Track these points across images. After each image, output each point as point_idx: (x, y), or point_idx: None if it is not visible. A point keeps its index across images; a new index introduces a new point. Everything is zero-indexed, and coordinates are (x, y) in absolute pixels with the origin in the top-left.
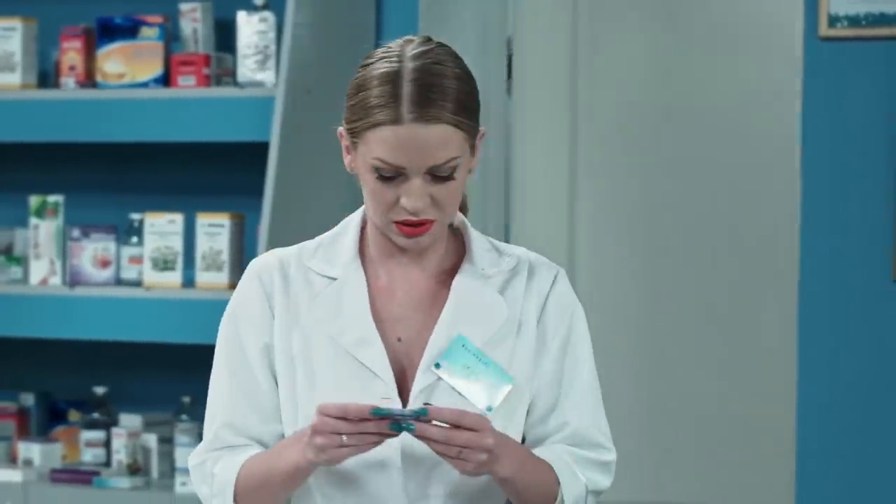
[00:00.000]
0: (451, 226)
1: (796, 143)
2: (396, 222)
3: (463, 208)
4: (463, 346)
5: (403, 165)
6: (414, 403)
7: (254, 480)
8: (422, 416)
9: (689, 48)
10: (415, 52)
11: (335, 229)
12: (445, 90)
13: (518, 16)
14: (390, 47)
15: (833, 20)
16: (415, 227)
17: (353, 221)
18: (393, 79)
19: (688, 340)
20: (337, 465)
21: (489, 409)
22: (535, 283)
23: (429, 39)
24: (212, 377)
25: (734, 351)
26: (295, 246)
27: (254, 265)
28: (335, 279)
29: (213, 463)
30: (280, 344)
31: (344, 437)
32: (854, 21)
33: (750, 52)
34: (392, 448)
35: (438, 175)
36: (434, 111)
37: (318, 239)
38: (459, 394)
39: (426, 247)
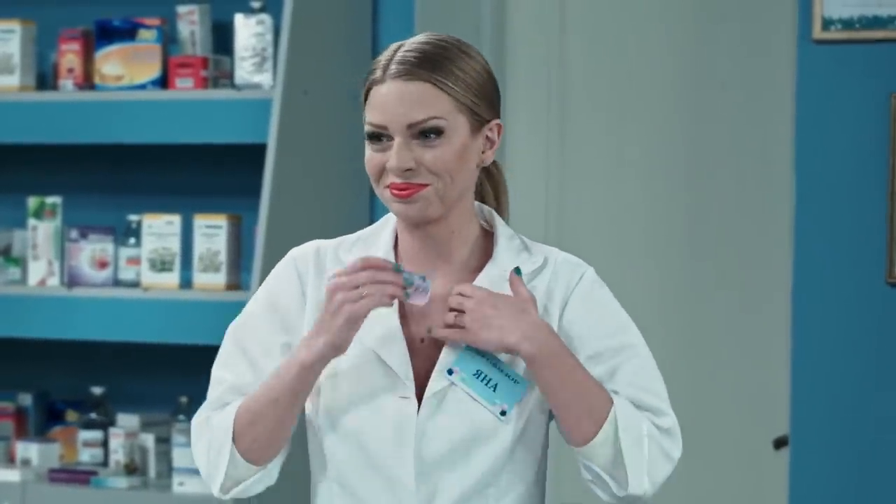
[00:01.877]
0: (481, 226)
1: (790, 146)
2: (388, 186)
3: (501, 209)
4: (476, 351)
5: (384, 123)
6: (426, 406)
7: (254, 408)
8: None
9: (683, 49)
10: (423, 36)
11: (376, 224)
12: (438, 59)
13: (510, 16)
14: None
15: (827, 23)
16: (402, 189)
17: (392, 218)
18: (394, 49)
19: (679, 343)
20: (347, 343)
21: (503, 413)
22: (560, 283)
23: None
24: (225, 343)
25: (727, 354)
26: (337, 238)
27: (293, 252)
28: None
29: (213, 417)
30: (309, 325)
31: (363, 290)
32: (848, 24)
33: (743, 54)
34: (405, 469)
35: (423, 136)
36: (415, 70)
37: (358, 233)
38: (473, 398)
39: (424, 216)
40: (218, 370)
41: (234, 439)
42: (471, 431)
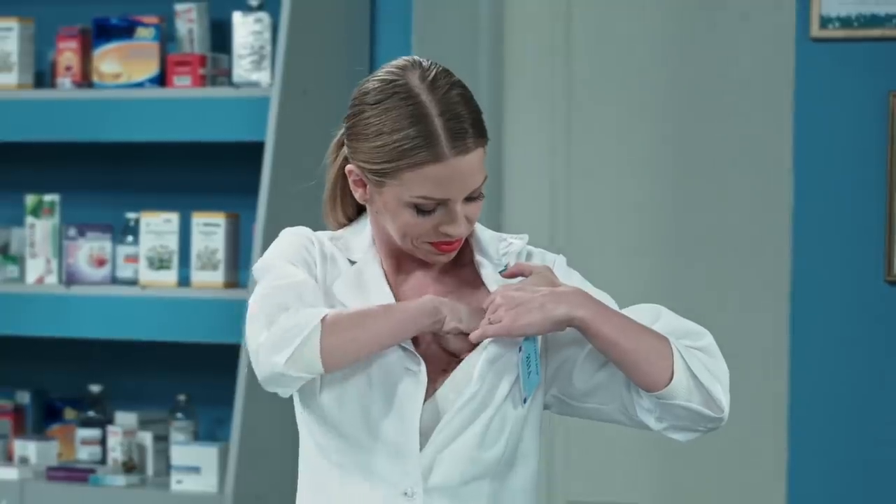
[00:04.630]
0: None
1: (788, 144)
2: (432, 243)
3: None
4: (534, 339)
5: (448, 198)
6: (475, 383)
7: (359, 314)
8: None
9: (683, 48)
10: (424, 83)
11: (352, 226)
12: (467, 117)
13: (510, 14)
14: (393, 81)
15: (825, 21)
16: (452, 245)
17: (367, 226)
18: (420, 118)
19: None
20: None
21: (525, 401)
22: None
23: (422, 63)
24: (256, 300)
25: (726, 352)
26: (321, 232)
27: (294, 231)
28: (356, 262)
29: (298, 307)
30: None
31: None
32: (846, 22)
33: (742, 52)
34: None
35: (473, 197)
36: (469, 141)
37: (338, 232)
38: (517, 380)
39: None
40: (280, 278)
41: (322, 330)
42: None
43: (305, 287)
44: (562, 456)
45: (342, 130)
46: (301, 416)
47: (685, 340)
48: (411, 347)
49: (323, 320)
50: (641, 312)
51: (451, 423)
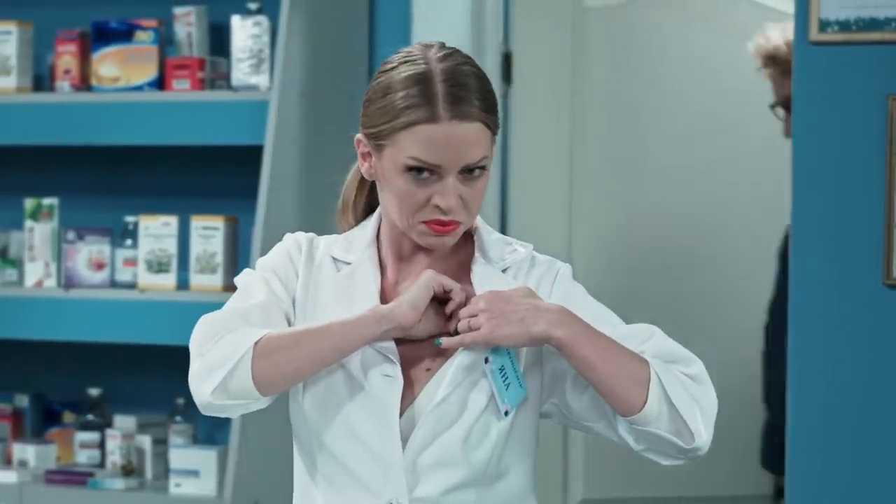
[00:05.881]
0: None
1: (787, 147)
2: (425, 222)
3: None
4: (507, 351)
5: (440, 164)
6: (425, 392)
7: (295, 336)
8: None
9: (683, 53)
10: (439, 55)
11: (361, 224)
12: (475, 90)
13: (512, 19)
14: (411, 52)
15: (824, 25)
16: (444, 225)
17: (371, 220)
18: (424, 79)
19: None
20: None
21: (506, 413)
22: (535, 276)
23: (445, 45)
24: (201, 324)
25: (727, 356)
26: (322, 236)
27: (288, 237)
28: (350, 264)
29: (241, 326)
30: (297, 311)
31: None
32: (844, 26)
33: (742, 56)
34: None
35: (470, 175)
36: (469, 109)
37: (344, 234)
38: (492, 391)
39: (448, 247)
40: (239, 298)
41: (254, 355)
42: (463, 426)
43: (253, 310)
44: (579, 453)
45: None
46: (293, 422)
47: (677, 366)
48: (391, 352)
49: (257, 344)
50: (632, 332)
51: (423, 426)
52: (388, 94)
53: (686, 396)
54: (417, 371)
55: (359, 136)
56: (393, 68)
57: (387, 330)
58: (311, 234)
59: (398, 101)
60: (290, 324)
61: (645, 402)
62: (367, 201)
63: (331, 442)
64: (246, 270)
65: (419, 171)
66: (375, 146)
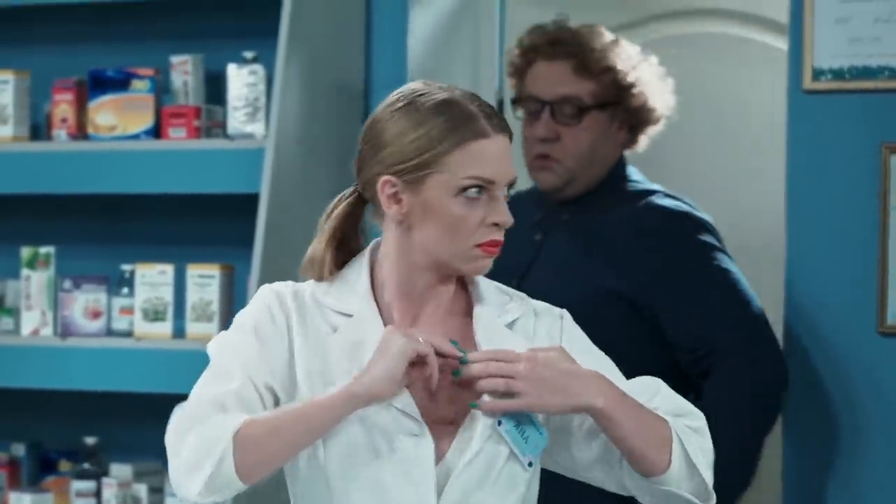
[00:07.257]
0: None
1: (781, 194)
2: (479, 245)
3: None
4: None
5: (494, 178)
6: (476, 444)
7: (273, 424)
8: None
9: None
10: (442, 86)
11: (342, 271)
12: (496, 110)
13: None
14: (416, 88)
15: (817, 73)
16: (497, 245)
17: (361, 261)
18: (454, 103)
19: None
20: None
21: (530, 464)
22: (543, 326)
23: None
24: (207, 374)
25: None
26: (299, 283)
27: (266, 289)
28: (352, 315)
29: (214, 415)
30: (302, 368)
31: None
32: (838, 74)
33: (735, 104)
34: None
35: (508, 192)
36: (504, 123)
37: (327, 280)
38: (510, 449)
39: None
40: (213, 381)
41: (234, 448)
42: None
43: (228, 397)
44: None
45: (354, 161)
46: (296, 477)
47: (685, 420)
48: (412, 409)
49: (235, 436)
50: (640, 387)
51: (456, 484)
52: (421, 124)
53: (701, 454)
54: (439, 425)
55: (385, 177)
56: (408, 104)
57: (363, 407)
58: (291, 284)
59: (438, 125)
60: (274, 394)
61: (669, 463)
62: (347, 251)
63: (360, 501)
64: (221, 337)
65: (478, 189)
66: (414, 180)
